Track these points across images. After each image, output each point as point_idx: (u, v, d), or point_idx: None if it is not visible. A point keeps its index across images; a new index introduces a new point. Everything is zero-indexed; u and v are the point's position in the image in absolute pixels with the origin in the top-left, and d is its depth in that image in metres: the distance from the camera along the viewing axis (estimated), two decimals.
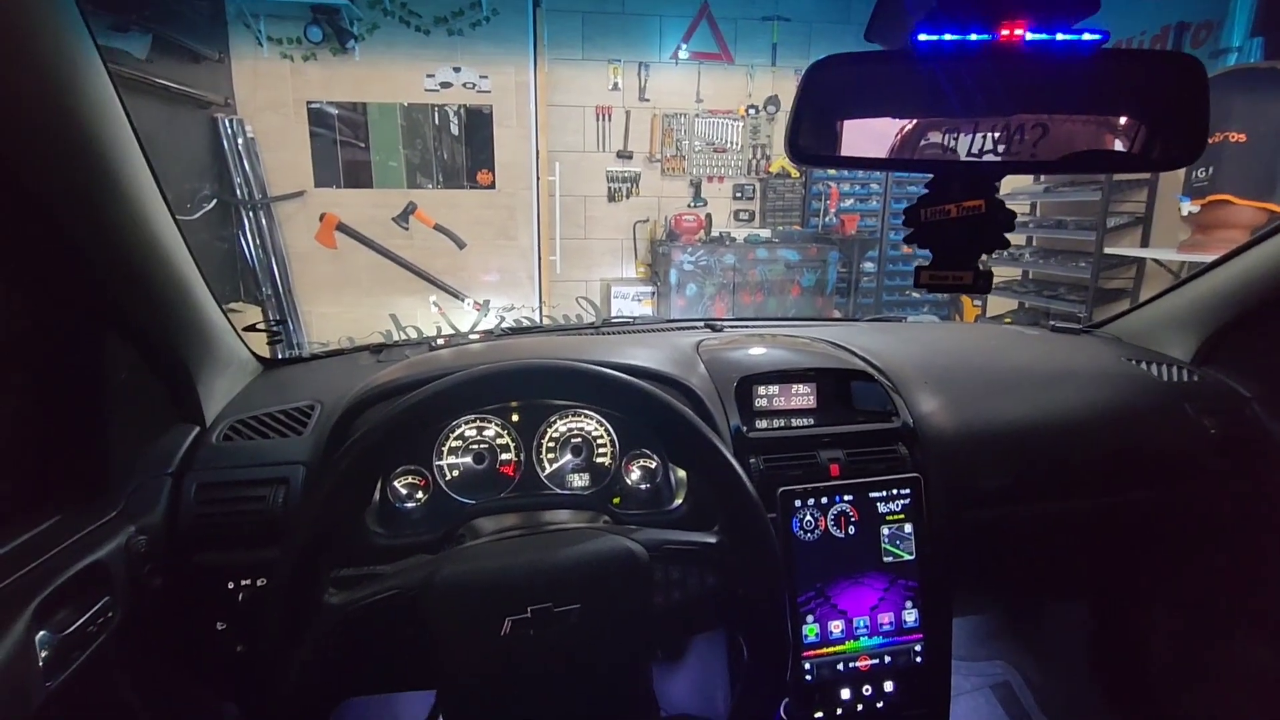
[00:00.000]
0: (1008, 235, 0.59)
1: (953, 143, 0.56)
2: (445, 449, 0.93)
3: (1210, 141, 2.47)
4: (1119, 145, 0.53)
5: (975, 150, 0.55)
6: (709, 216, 4.98)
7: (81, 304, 0.70)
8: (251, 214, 3.91)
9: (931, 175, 0.60)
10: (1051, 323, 1.34)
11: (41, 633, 0.58)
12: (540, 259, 4.68)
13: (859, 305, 5.16)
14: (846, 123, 0.57)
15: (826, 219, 5.19)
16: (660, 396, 0.63)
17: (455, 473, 0.94)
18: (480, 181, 4.39)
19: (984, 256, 0.63)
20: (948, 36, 0.52)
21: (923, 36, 0.52)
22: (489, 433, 0.95)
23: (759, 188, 5.22)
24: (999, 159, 0.55)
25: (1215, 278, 1.15)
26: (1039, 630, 1.52)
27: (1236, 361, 1.13)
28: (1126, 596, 1.32)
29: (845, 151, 0.58)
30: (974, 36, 0.51)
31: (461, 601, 0.57)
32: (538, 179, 4.47)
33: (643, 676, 0.60)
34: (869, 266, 5.20)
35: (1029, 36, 0.51)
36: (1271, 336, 1.12)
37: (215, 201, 3.72)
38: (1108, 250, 2.99)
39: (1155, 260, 2.84)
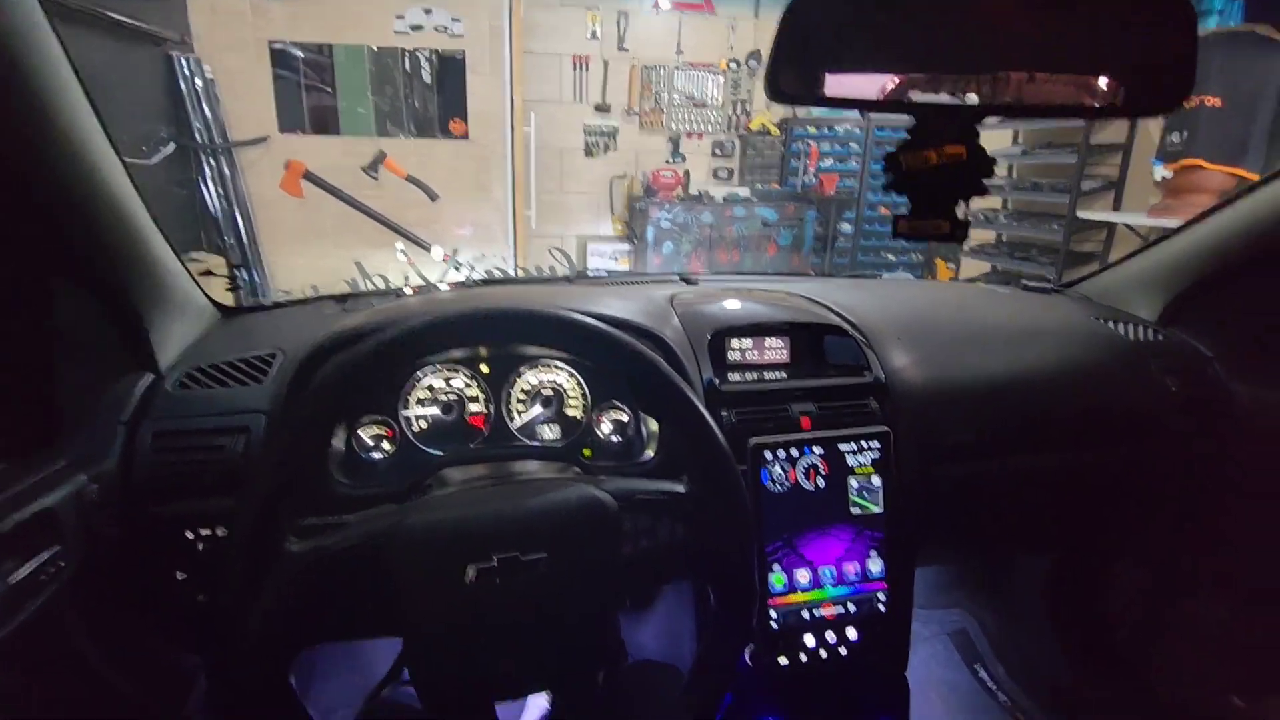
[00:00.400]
0: (984, 193, 0.57)
1: (935, 84, 0.55)
2: (412, 399, 0.92)
3: (1186, 106, 2.48)
4: (1104, 88, 0.52)
5: (958, 92, 0.54)
6: (687, 173, 4.91)
7: (25, 247, 0.65)
8: (212, 159, 3.75)
9: (912, 119, 0.58)
10: (1023, 282, 1.35)
11: None
12: (515, 213, 4.58)
13: (834, 265, 5.17)
14: (827, 59, 0.55)
15: (805, 178, 5.15)
16: (631, 344, 0.62)
17: (423, 424, 0.92)
18: (453, 131, 4.25)
19: (961, 206, 0.62)
20: None
21: None
22: (457, 383, 0.93)
23: (738, 145, 5.15)
24: (982, 101, 0.54)
25: (1182, 240, 1.16)
26: (999, 582, 1.57)
27: (1200, 322, 1.15)
28: (1088, 552, 1.36)
29: (826, 91, 0.56)
30: None
31: (426, 550, 0.56)
32: (512, 130, 4.33)
33: (611, 625, 0.60)
34: (846, 227, 5.20)
35: None
36: (1233, 298, 1.14)
37: (173, 146, 3.55)
38: (1080, 214, 3.01)
39: (1126, 225, 2.87)
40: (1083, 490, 1.06)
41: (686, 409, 0.62)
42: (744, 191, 4.96)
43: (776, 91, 0.54)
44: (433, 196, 4.23)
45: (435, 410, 0.92)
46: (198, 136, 3.65)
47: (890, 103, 0.55)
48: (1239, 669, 1.15)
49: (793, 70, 0.54)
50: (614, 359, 0.62)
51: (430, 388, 0.93)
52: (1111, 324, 1.15)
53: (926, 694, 1.48)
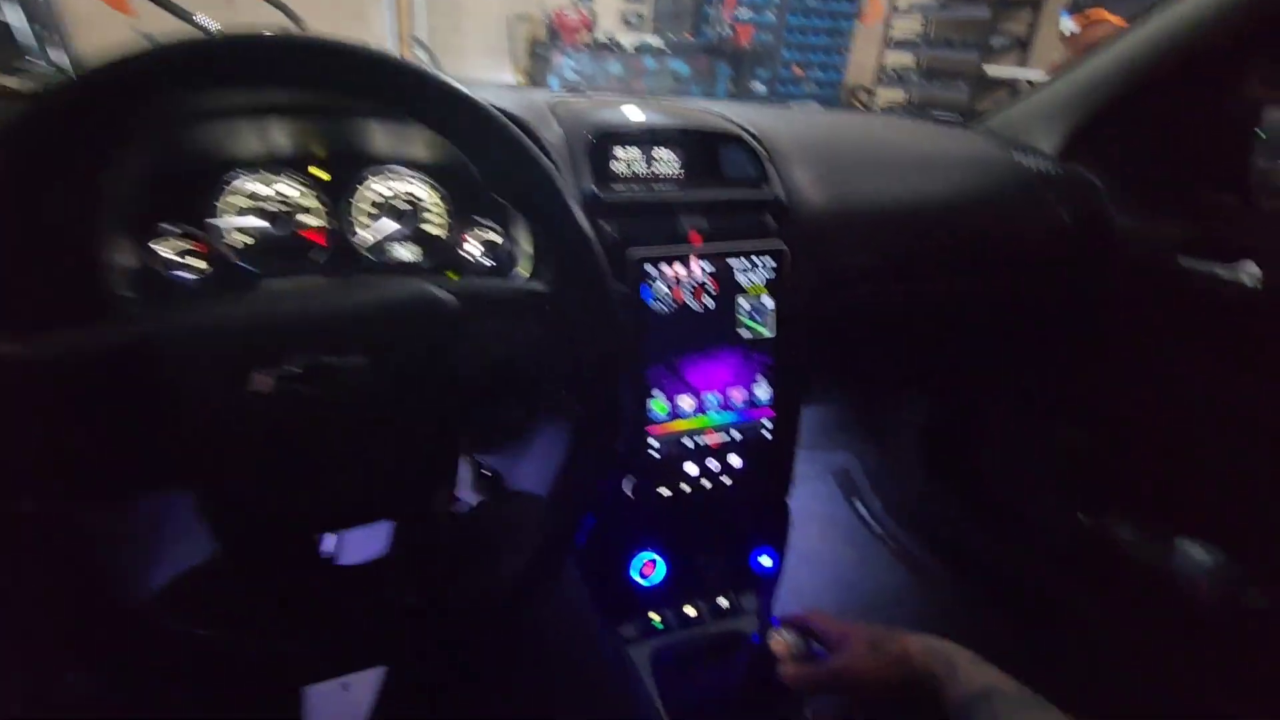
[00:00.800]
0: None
1: None
2: (219, 204, 0.75)
3: None
4: None
5: None
6: (594, 13, 4.46)
7: None
8: None
9: None
10: (934, 113, 1.28)
11: None
12: (399, 52, 4.05)
13: None
14: None
15: (720, 29, 4.81)
16: (477, 100, 0.48)
17: (243, 238, 0.76)
18: None
19: (846, 80, 0.50)
20: None
21: None
22: (287, 191, 0.78)
23: None
24: None
25: (1082, 74, 1.13)
26: (881, 423, 1.63)
27: (1095, 155, 1.14)
28: (965, 386, 1.41)
29: None
30: None
31: (199, 357, 0.44)
32: None
33: (448, 443, 0.51)
34: (759, 87, 4.97)
35: None
36: (1124, 131, 1.12)
37: None
38: (988, 71, 2.96)
39: (1028, 82, 2.85)
40: (969, 318, 1.06)
41: (544, 188, 0.50)
42: (656, 41, 4.60)
43: None
44: (296, 21, 3.65)
45: (257, 221, 0.76)
46: None
47: None
48: (1089, 491, 1.24)
49: None
50: (455, 116, 0.48)
51: (251, 195, 0.77)
52: (1014, 155, 1.10)
53: (808, 528, 1.55)
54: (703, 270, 0.76)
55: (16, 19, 2.81)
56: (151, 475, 0.46)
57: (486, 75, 4.57)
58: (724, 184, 0.86)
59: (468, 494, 0.93)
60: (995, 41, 2.97)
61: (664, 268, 0.75)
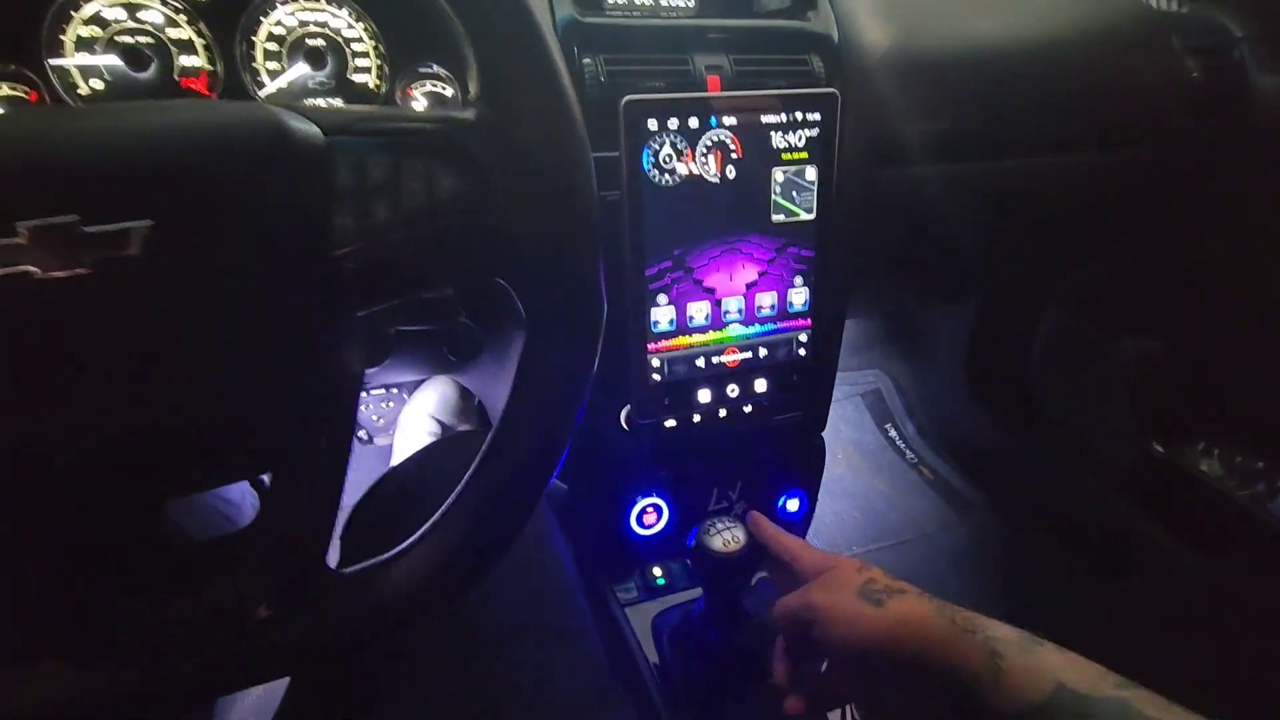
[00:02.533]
0: None
1: None
2: (68, 40, 0.54)
3: None
4: None
5: None
6: None
7: None
8: None
9: None
10: None
11: None
12: None
13: None
14: None
15: None
16: None
17: (93, 83, 0.56)
18: None
19: None
20: None
21: None
22: (151, 14, 0.56)
23: None
24: None
25: None
26: (917, 335, 1.44)
27: None
28: (1021, 291, 1.20)
29: None
30: None
31: None
32: None
33: (324, 368, 0.32)
34: None
35: None
36: None
37: None
38: None
39: None
40: (1057, 200, 0.84)
41: None
42: None
43: None
44: None
45: (114, 60, 0.56)
46: None
47: None
48: (1166, 416, 1.06)
49: None
50: None
51: (102, 21, 0.55)
52: None
53: (833, 453, 1.38)
54: (724, 127, 0.55)
55: None
56: None
57: None
58: (756, 13, 0.64)
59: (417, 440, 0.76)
60: None
61: (671, 122, 0.53)
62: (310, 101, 0.61)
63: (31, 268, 0.25)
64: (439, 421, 1.00)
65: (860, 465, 1.39)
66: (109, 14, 0.55)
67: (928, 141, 0.68)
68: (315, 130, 0.30)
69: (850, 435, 1.44)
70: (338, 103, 0.62)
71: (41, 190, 0.26)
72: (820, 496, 0.82)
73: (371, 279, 0.32)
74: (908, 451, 1.40)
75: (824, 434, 0.76)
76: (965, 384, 1.32)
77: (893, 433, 1.43)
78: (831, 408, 0.76)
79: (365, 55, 0.62)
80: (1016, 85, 0.71)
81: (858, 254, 0.69)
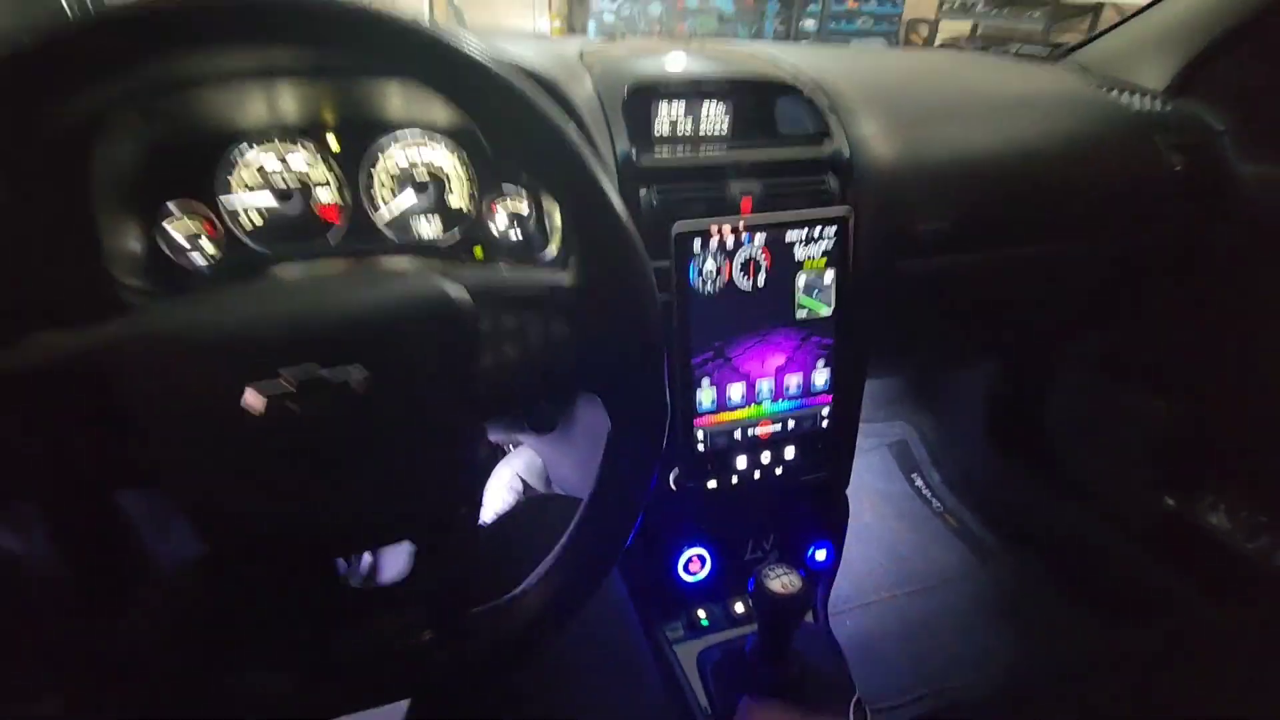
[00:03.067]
0: None
1: None
2: (234, 180, 0.69)
3: None
4: None
5: None
6: None
7: None
8: None
9: None
10: (1017, 47, 1.13)
11: None
12: (431, 7, 3.91)
13: None
14: None
15: None
16: (499, 69, 0.40)
17: (254, 215, 0.70)
18: None
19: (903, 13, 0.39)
20: None
21: None
22: (297, 162, 0.71)
23: None
24: None
25: None
26: (941, 390, 1.52)
27: (1212, 92, 0.98)
28: (1038, 354, 1.29)
29: None
30: None
31: (180, 367, 0.38)
32: None
33: (467, 457, 0.45)
34: (809, 24, 4.65)
35: None
36: (1253, 62, 0.96)
37: None
38: None
39: (1113, 3, 2.55)
40: (1057, 281, 0.94)
41: (573, 166, 0.42)
42: None
43: None
44: None
45: (268, 198, 0.70)
46: None
47: None
48: (1176, 471, 1.13)
49: None
50: (472, 87, 0.40)
51: (260, 169, 0.70)
52: (1113, 93, 0.96)
53: (860, 502, 1.47)
54: (755, 245, 0.67)
55: None
56: (129, 481, 0.41)
57: (521, 24, 4.39)
58: (780, 141, 0.76)
59: (503, 497, 0.88)
60: None
61: (711, 242, 0.66)
62: (418, 225, 0.75)
63: (296, 405, 0.38)
64: (522, 480, 1.13)
65: (887, 513, 1.46)
66: (266, 163, 0.70)
67: (933, 238, 0.80)
68: (466, 296, 0.43)
69: (878, 485, 1.52)
70: (437, 221, 0.76)
71: (295, 348, 0.39)
72: (850, 543, 0.91)
73: (502, 398, 0.44)
74: (933, 500, 1.47)
75: (854, 483, 0.86)
76: (987, 436, 1.40)
77: (919, 482, 1.51)
78: (860, 458, 0.86)
79: (460, 184, 0.76)
80: (1009, 188, 0.82)
81: (876, 333, 0.80)
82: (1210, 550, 1.05)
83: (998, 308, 0.95)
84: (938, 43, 3.74)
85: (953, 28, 3.60)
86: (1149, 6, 1.07)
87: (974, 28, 3.43)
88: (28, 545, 0.41)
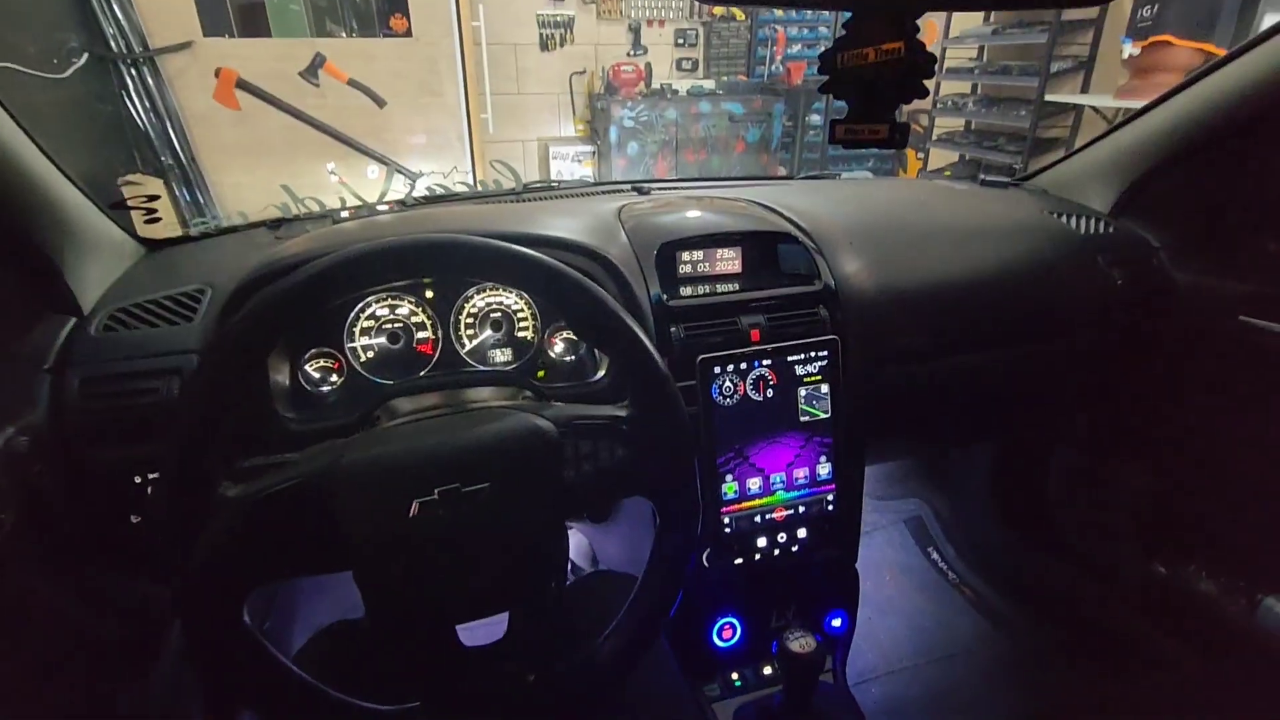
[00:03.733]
0: (924, 95, 0.55)
1: None
2: (357, 329, 0.89)
3: None
4: None
5: None
6: (649, 66, 4.65)
7: None
8: (133, 70, 3.45)
9: (849, 14, 0.55)
10: (981, 177, 1.33)
11: None
12: (469, 118, 4.33)
13: (804, 160, 5.03)
14: None
15: (773, 67, 4.92)
16: (562, 271, 0.60)
17: (369, 354, 0.90)
18: (394, 28, 3.93)
19: (902, 108, 0.59)
20: None
21: None
22: (402, 311, 0.91)
23: (702, 32, 4.85)
24: None
25: (1137, 128, 1.15)
26: (950, 470, 1.65)
27: (1150, 212, 1.16)
28: (1030, 435, 1.42)
29: None
30: None
31: (366, 488, 0.56)
32: (460, 24, 4.03)
33: (558, 544, 0.62)
34: (815, 119, 5.02)
35: None
36: (1182, 187, 1.13)
37: (86, 56, 3.25)
38: (1049, 97, 2.93)
39: (1092, 107, 2.81)
40: (1027, 380, 1.10)
41: (623, 335, 0.61)
42: (709, 84, 4.74)
43: None
44: (380, 103, 3.99)
45: (382, 340, 0.90)
46: (112, 44, 3.34)
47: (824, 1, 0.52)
48: (1164, 540, 1.24)
49: None
50: (546, 287, 0.60)
51: (375, 316, 0.91)
52: (1064, 218, 1.14)
53: (881, 575, 1.58)
54: (763, 367, 0.85)
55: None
56: (322, 567, 0.59)
57: (550, 131, 4.82)
58: (780, 278, 0.95)
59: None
60: (1055, 66, 2.94)
61: (729, 366, 0.84)
62: (492, 354, 0.95)
63: (441, 510, 0.56)
64: (572, 561, 1.29)
65: (908, 586, 1.57)
66: (379, 313, 0.91)
67: (912, 352, 0.97)
68: (552, 427, 0.61)
69: (896, 558, 1.63)
70: (509, 350, 0.96)
71: (443, 471, 0.57)
72: (873, 615, 1.04)
73: (580, 501, 0.62)
74: (949, 573, 1.58)
75: (874, 558, 1.00)
76: (994, 511, 1.52)
77: (934, 555, 1.62)
78: (879, 534, 1.00)
79: (526, 320, 0.96)
80: (974, 307, 1.00)
81: (870, 431, 0.96)
82: (1199, 611, 1.15)
83: (978, 402, 1.11)
84: (935, 135, 4.04)
85: (949, 123, 3.89)
86: (1099, 138, 1.26)
87: (966, 124, 3.70)
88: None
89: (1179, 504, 1.22)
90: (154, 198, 0.92)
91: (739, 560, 0.90)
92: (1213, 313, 1.06)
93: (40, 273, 0.77)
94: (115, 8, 3.33)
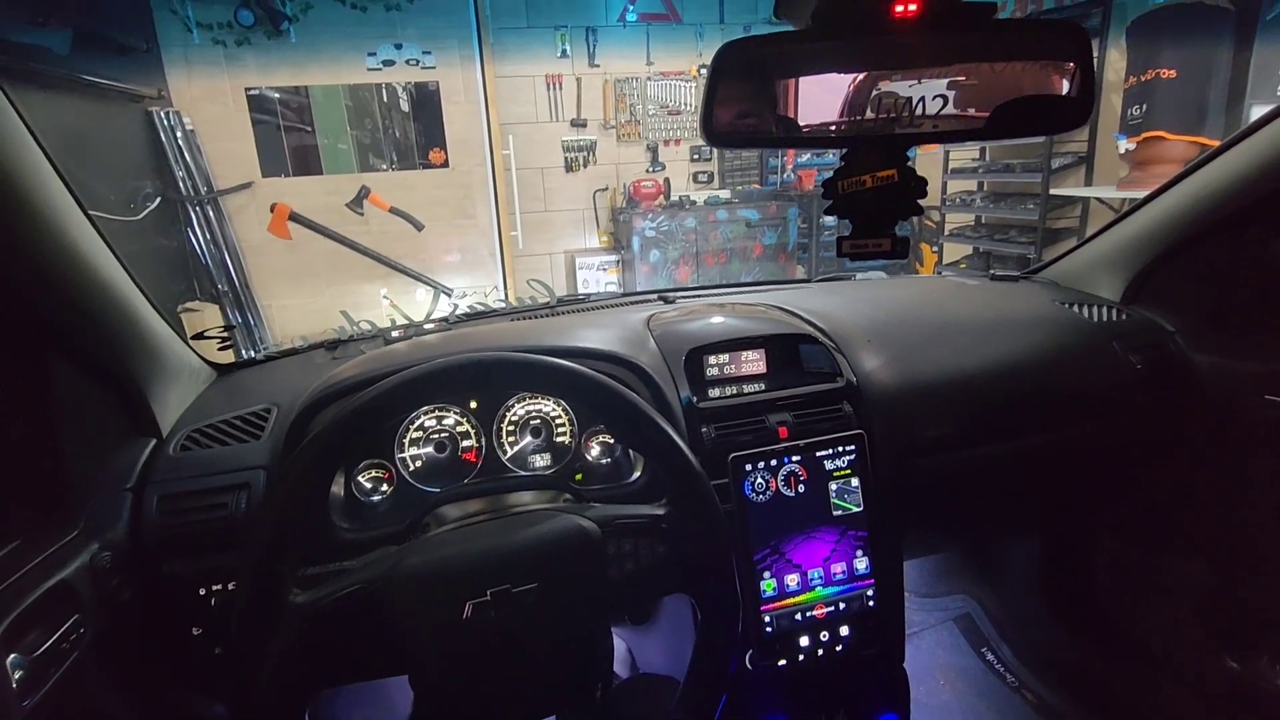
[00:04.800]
0: (920, 213, 0.61)
1: (862, 116, 0.58)
2: (406, 440, 0.95)
3: (1143, 79, 2.53)
4: (1015, 111, 0.56)
5: (884, 125, 0.58)
6: (667, 181, 4.95)
7: (12, 329, 0.69)
8: (199, 209, 3.80)
9: (845, 149, 0.62)
10: (991, 271, 1.39)
11: (12, 656, 0.59)
12: (501, 235, 4.62)
13: (821, 260, 5.20)
14: (759, 103, 0.59)
15: (784, 175, 5.20)
16: (601, 381, 0.66)
17: (418, 463, 0.95)
18: (433, 161, 4.30)
19: (903, 223, 0.66)
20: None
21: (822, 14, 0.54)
22: (448, 421, 0.97)
23: (715, 149, 5.20)
24: (905, 130, 0.58)
25: (1140, 218, 1.20)
26: (993, 564, 1.61)
27: (1160, 298, 1.19)
28: (1071, 526, 1.40)
29: (760, 131, 0.60)
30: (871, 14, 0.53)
31: (423, 592, 0.60)
32: (491, 153, 4.39)
33: (603, 643, 0.64)
34: (829, 221, 5.23)
35: (923, 12, 0.53)
36: (1191, 272, 1.17)
37: (160, 200, 3.60)
38: (1053, 191, 3.06)
39: (1098, 199, 2.91)
40: (1058, 470, 1.10)
41: (658, 437, 0.66)
42: (725, 194, 5.02)
43: (713, 136, 0.58)
44: (418, 227, 4.29)
45: (429, 449, 0.96)
46: (182, 188, 3.70)
47: (823, 139, 0.59)
48: (1229, 631, 1.18)
49: (727, 115, 0.58)
50: (587, 396, 0.66)
51: (423, 427, 0.97)
52: (1076, 308, 1.19)
53: (935, 679, 1.51)
54: (793, 463, 0.88)
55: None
56: (380, 670, 0.61)
57: (575, 244, 5.09)
58: (805, 376, 1.00)
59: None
60: (1055, 162, 3.08)
61: (760, 464, 0.87)
62: (532, 459, 0.99)
63: (492, 611, 0.59)
64: None
65: (965, 691, 1.49)
66: (428, 424, 0.97)
67: (937, 443, 0.99)
68: (595, 527, 0.65)
69: (950, 660, 1.56)
70: (548, 456, 1.00)
71: (493, 575, 0.61)
72: None
73: (624, 600, 0.64)
74: (1008, 675, 1.50)
75: (926, 660, 0.98)
76: (1046, 606, 1.46)
77: (990, 656, 1.54)
78: (928, 634, 0.98)
79: (564, 426, 1.01)
80: (993, 398, 1.03)
81: (905, 523, 0.97)
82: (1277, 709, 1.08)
83: (1011, 493, 1.11)
84: (948, 230, 4.17)
85: (959, 218, 4.04)
86: (1103, 231, 1.32)
87: (977, 219, 3.83)
88: None
89: (1240, 594, 1.17)
90: (230, 328, 1.02)
91: (783, 661, 0.89)
92: (1237, 394, 1.07)
93: (128, 398, 0.85)
94: (187, 156, 3.71)
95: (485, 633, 0.60)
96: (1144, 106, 2.48)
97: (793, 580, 0.89)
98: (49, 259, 0.69)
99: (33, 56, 2.72)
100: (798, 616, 0.89)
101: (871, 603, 0.92)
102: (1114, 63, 2.95)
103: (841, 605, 0.91)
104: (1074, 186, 3.10)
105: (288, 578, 0.60)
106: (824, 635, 0.90)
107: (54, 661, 0.64)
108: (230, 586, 0.81)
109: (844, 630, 0.91)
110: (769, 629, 0.88)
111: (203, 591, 0.81)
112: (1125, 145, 2.59)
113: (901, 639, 0.97)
